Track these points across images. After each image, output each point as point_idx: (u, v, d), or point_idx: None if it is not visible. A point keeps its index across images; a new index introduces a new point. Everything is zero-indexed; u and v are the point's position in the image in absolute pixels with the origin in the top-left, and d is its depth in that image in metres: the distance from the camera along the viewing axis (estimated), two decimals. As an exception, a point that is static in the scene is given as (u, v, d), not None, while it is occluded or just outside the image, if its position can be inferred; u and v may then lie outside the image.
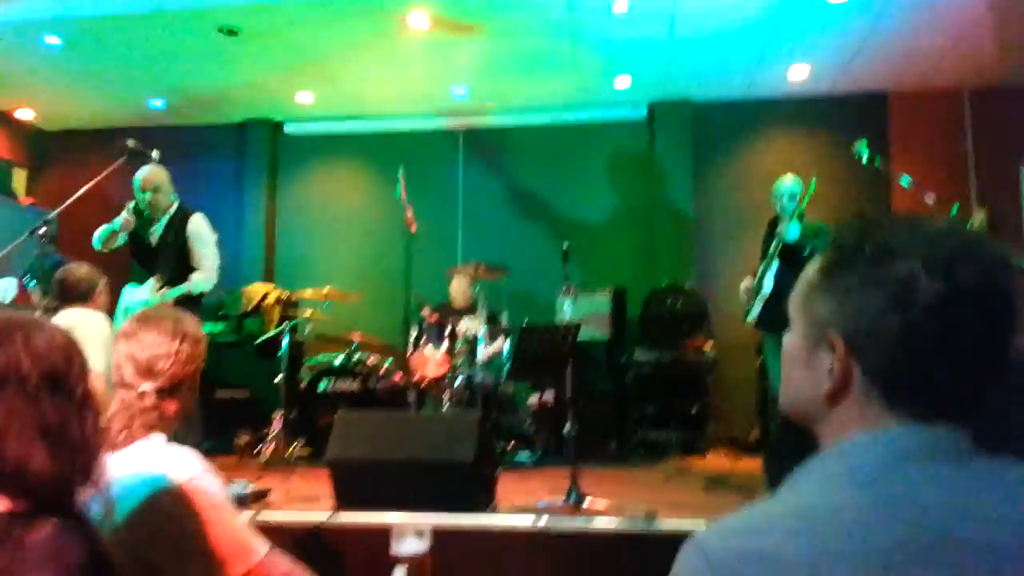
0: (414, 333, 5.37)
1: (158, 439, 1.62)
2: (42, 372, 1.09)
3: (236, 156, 7.50)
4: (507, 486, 3.72)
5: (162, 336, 1.70)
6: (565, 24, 5.53)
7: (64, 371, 1.13)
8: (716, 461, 5.34)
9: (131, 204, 4.42)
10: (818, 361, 0.86)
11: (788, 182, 4.71)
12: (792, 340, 0.91)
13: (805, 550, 0.71)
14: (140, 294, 4.30)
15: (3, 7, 5.41)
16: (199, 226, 4.44)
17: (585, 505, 3.47)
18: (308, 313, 5.71)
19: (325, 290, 5.69)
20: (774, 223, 4.81)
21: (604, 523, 2.85)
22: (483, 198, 7.18)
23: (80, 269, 3.78)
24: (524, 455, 5.08)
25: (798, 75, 6.41)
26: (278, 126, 7.53)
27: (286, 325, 5.57)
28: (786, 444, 3.35)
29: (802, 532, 0.72)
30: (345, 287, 5.98)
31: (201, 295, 4.45)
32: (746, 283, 4.89)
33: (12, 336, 1.10)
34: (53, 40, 5.78)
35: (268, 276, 7.16)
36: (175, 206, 4.46)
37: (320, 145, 7.51)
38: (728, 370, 6.22)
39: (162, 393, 1.67)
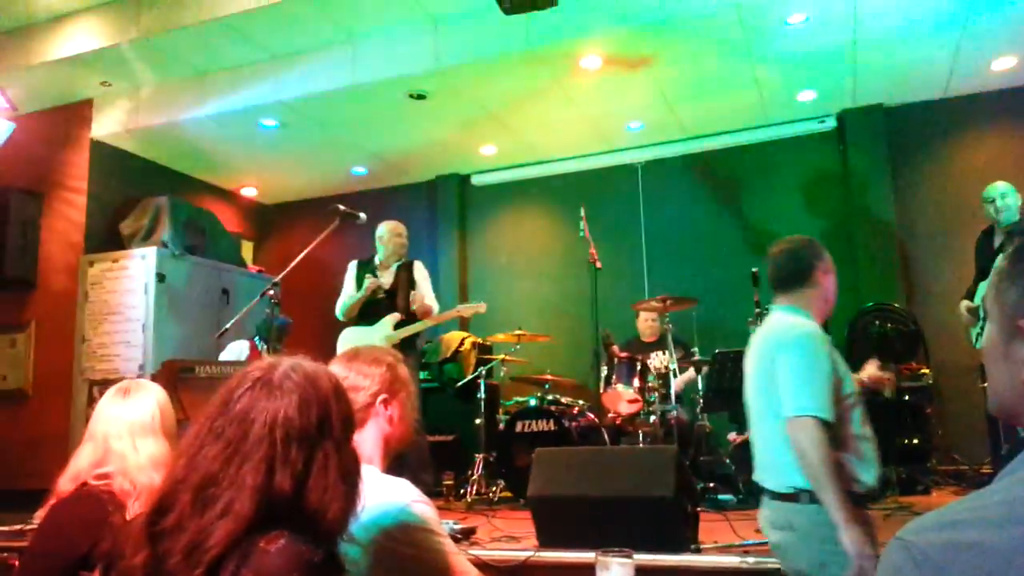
0: (604, 370, 5.38)
1: (370, 470, 1.72)
2: (343, 419, 1.21)
3: (429, 211, 7.98)
4: (709, 526, 3.60)
5: (338, 368, 1.77)
6: (740, 43, 5.43)
7: (351, 414, 1.24)
8: (943, 499, 4.80)
9: (354, 268, 5.22)
10: (1014, 352, 0.83)
11: (999, 189, 4.33)
12: (988, 335, 0.88)
13: (1010, 540, 0.68)
14: (371, 333, 4.92)
15: (227, 97, 6.19)
16: (422, 270, 5.27)
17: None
18: (502, 356, 5.91)
19: (516, 333, 5.86)
20: (989, 232, 4.41)
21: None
22: (666, 228, 7.10)
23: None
24: (725, 496, 4.87)
25: (1003, 66, 5.84)
26: (465, 179, 7.93)
27: (482, 369, 5.80)
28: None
29: (1008, 523, 0.69)
30: (535, 329, 6.13)
31: (416, 341, 5.20)
32: (966, 303, 4.53)
33: (322, 385, 1.21)
34: (270, 122, 6.51)
35: (463, 323, 7.50)
36: (402, 256, 5.27)
37: (504, 193, 7.81)
38: (950, 397, 5.65)
39: None
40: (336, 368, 1.79)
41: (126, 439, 2.04)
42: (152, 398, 2.15)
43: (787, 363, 2.24)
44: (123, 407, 2.10)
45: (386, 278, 5.18)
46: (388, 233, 5.24)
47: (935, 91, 6.29)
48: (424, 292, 5.14)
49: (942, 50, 5.61)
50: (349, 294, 5.17)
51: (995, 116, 6.28)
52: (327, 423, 1.17)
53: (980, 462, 5.33)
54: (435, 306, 5.15)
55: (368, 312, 5.09)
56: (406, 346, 4.97)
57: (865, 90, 6.27)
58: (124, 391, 2.15)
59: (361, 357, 1.83)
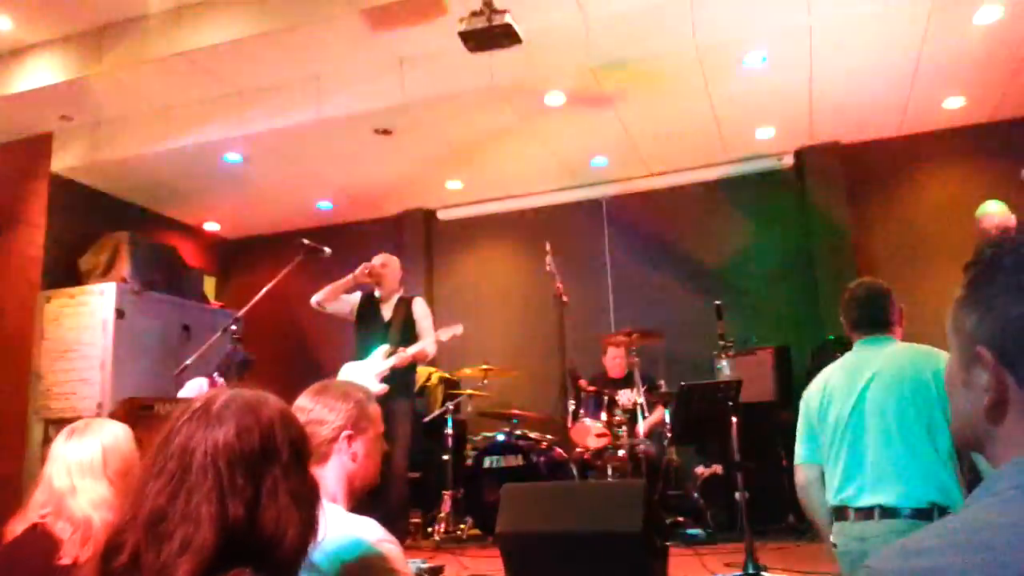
0: (572, 405, 5.37)
1: (334, 508, 1.68)
2: (290, 443, 1.18)
3: (395, 246, 7.93)
4: (678, 562, 3.58)
5: (305, 401, 1.76)
6: (699, 82, 5.55)
7: (301, 439, 1.22)
8: (910, 528, 4.85)
9: (358, 295, 5.25)
10: (974, 379, 0.84)
11: (993, 209, 4.44)
12: (950, 364, 0.89)
13: (979, 566, 0.68)
14: (365, 367, 4.88)
15: (190, 132, 6.14)
16: (423, 307, 5.27)
17: (764, 578, 3.28)
18: (469, 391, 5.87)
19: (483, 368, 5.84)
20: None
21: (786, 597, 2.69)
22: (631, 263, 7.17)
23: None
24: (694, 531, 4.86)
25: (953, 105, 6.06)
26: (431, 214, 7.93)
27: (449, 404, 5.76)
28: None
29: (976, 548, 0.70)
30: (502, 363, 6.11)
31: (415, 367, 5.18)
32: None
33: (262, 409, 1.19)
34: (233, 156, 6.47)
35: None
36: (401, 291, 5.29)
37: (470, 227, 7.83)
38: (914, 426, 5.73)
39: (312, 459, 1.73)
40: (303, 401, 1.77)
41: (65, 479, 2.01)
42: (97, 439, 2.11)
43: None
44: (67, 447, 2.08)
45: (386, 311, 5.20)
46: (373, 262, 5.26)
47: (890, 129, 6.48)
48: (423, 331, 5.13)
49: (895, 90, 5.80)
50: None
51: (947, 153, 6.49)
52: (271, 448, 1.15)
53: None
54: (430, 350, 5.10)
55: (371, 340, 5.08)
56: (400, 388, 4.90)
57: (822, 128, 6.43)
58: (71, 431, 2.13)
59: (329, 391, 1.80)
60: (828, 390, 2.57)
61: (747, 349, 5.53)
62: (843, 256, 6.51)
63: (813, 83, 5.64)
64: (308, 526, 1.16)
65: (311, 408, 1.75)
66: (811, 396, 2.63)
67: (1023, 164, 4.14)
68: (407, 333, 5.09)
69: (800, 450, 2.63)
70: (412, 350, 4.95)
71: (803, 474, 2.61)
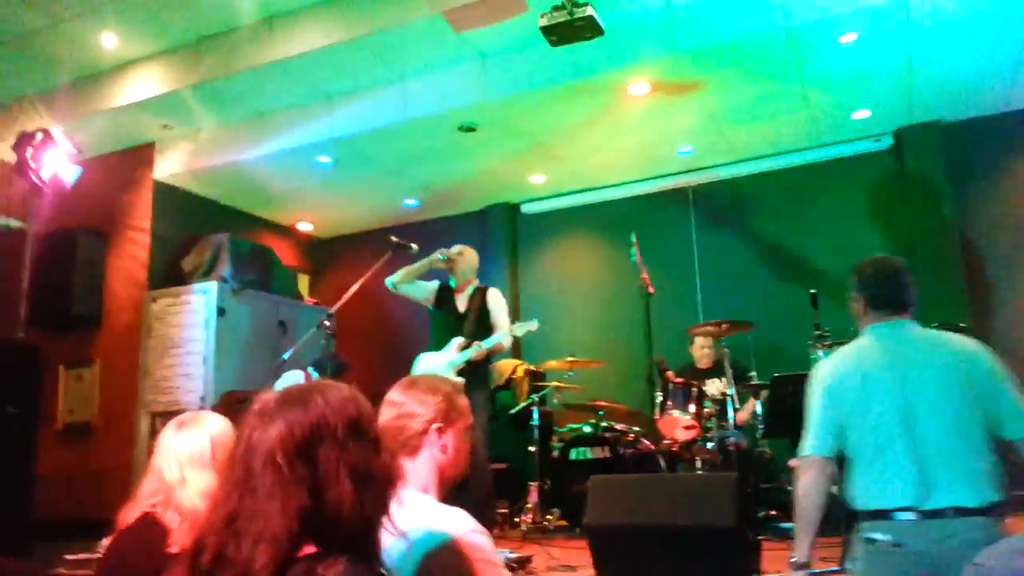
0: (659, 397, 5.30)
1: (426, 499, 1.72)
2: (345, 423, 1.23)
3: (479, 241, 8.01)
4: (772, 556, 3.49)
5: (396, 395, 1.80)
6: (791, 65, 5.37)
7: (358, 417, 1.27)
8: (1018, 525, 4.57)
9: (436, 285, 5.28)
10: None
11: None
12: None
13: None
14: (439, 358, 4.90)
15: (283, 136, 6.37)
16: (498, 297, 5.22)
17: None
18: (555, 383, 5.87)
19: (569, 359, 5.83)
20: None
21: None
22: (719, 252, 7.00)
23: None
24: (789, 524, 4.72)
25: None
26: (515, 208, 7.96)
27: (535, 396, 5.77)
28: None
29: None
30: (588, 355, 6.08)
31: (490, 357, 5.10)
32: None
33: (312, 398, 1.25)
34: (324, 159, 6.67)
35: (515, 350, 7.48)
36: (476, 282, 5.26)
37: (554, 220, 7.82)
38: None
39: (403, 451, 1.75)
40: (394, 395, 1.82)
41: (175, 470, 2.08)
42: (205, 431, 2.18)
43: (1012, 384, 2.32)
44: (176, 439, 2.14)
45: (461, 302, 5.19)
46: (449, 250, 5.28)
47: (994, 105, 6.11)
48: (497, 322, 5.10)
49: (999, 64, 5.46)
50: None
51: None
52: (323, 432, 1.20)
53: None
54: (505, 343, 5.08)
55: (446, 331, 5.10)
56: (476, 379, 4.85)
57: (921, 106, 6.12)
58: (180, 423, 2.19)
59: (419, 385, 1.85)
60: (865, 380, 2.36)
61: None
62: (946, 241, 6.18)
63: (911, 60, 5.37)
64: (369, 497, 1.20)
65: (402, 402, 1.80)
66: (839, 384, 2.41)
67: None
68: (482, 324, 5.07)
69: (815, 441, 2.39)
70: (487, 344, 4.93)
71: (817, 467, 2.37)
